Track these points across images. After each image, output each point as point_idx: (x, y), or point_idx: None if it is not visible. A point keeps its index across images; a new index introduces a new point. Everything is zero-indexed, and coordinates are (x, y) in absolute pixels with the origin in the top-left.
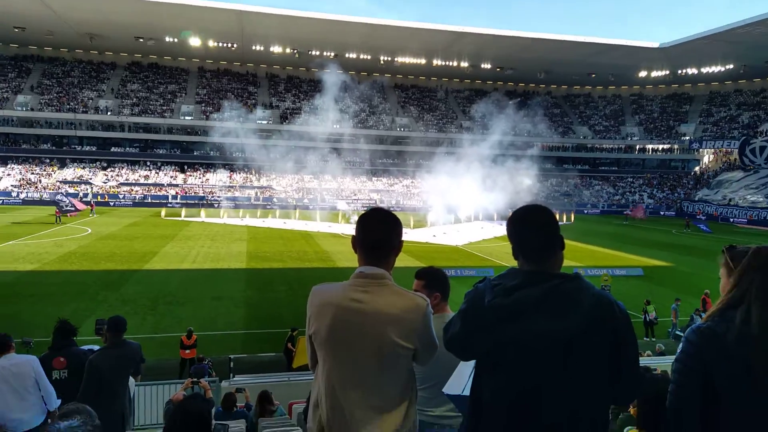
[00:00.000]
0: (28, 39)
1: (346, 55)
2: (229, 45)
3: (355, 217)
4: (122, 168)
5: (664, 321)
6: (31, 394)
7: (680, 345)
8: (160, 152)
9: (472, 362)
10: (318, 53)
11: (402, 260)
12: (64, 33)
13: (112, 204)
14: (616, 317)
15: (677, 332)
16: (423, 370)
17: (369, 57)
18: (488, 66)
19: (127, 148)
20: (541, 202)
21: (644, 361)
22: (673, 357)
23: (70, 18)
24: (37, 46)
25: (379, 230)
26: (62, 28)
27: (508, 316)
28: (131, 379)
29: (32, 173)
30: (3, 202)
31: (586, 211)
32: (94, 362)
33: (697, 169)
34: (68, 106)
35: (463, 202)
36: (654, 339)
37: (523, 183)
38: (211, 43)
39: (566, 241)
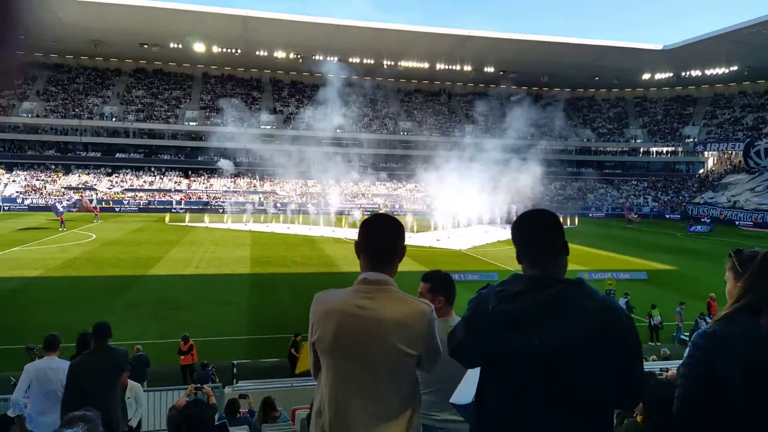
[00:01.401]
0: (34, 46)
1: (350, 60)
2: (233, 50)
3: (357, 219)
4: (127, 174)
5: (668, 325)
6: (60, 399)
7: (687, 350)
8: (165, 158)
9: (478, 369)
10: (321, 57)
11: (405, 264)
12: (70, 40)
13: (117, 210)
14: (622, 323)
15: (682, 336)
16: (427, 374)
17: (372, 61)
18: (491, 69)
19: (132, 154)
20: (545, 205)
21: (649, 365)
22: (678, 361)
23: (75, 25)
24: (43, 53)
25: (382, 236)
26: (68, 35)
27: (512, 323)
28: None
29: (37, 179)
30: (9, 208)
31: (590, 215)
32: (72, 368)
33: (701, 171)
34: (73, 113)
35: (466, 206)
36: (659, 343)
37: (527, 186)
38: (215, 49)
39: (570, 245)
